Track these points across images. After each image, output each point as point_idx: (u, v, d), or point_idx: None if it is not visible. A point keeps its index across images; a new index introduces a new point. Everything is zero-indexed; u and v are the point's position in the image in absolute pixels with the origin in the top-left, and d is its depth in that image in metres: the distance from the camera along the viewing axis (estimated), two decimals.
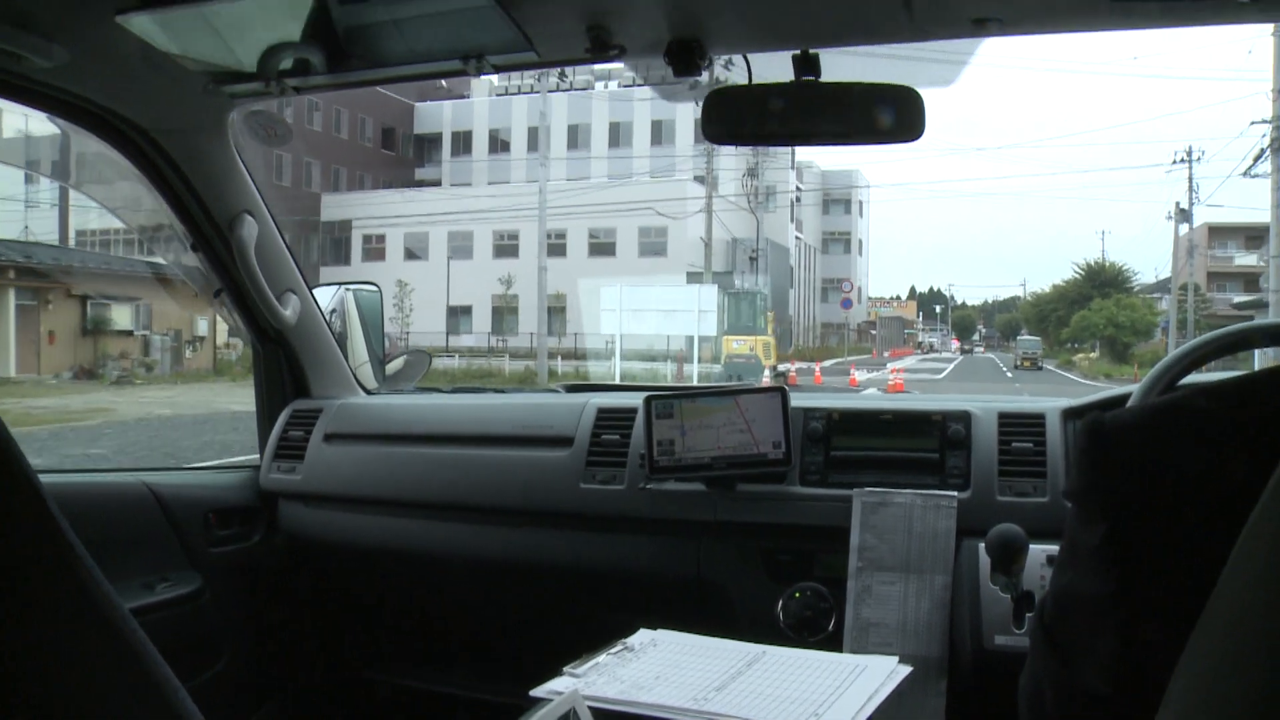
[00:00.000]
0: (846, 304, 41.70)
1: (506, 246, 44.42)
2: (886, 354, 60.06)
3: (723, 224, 40.78)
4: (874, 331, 74.51)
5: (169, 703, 0.83)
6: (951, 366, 45.60)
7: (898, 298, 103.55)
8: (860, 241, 76.76)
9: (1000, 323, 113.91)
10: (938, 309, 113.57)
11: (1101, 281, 61.66)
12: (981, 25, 1.68)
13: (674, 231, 42.00)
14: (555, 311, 36.70)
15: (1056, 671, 0.99)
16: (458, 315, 44.72)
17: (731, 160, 42.17)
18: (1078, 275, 65.22)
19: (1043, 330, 68.85)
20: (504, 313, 43.39)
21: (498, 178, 47.51)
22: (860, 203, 73.48)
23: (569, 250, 42.92)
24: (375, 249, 46.49)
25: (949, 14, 1.68)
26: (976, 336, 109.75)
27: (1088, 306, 55.21)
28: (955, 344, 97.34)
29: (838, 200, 71.57)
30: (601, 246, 44.76)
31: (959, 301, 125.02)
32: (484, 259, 44.45)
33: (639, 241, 44.13)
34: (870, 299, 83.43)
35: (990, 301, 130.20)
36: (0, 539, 0.76)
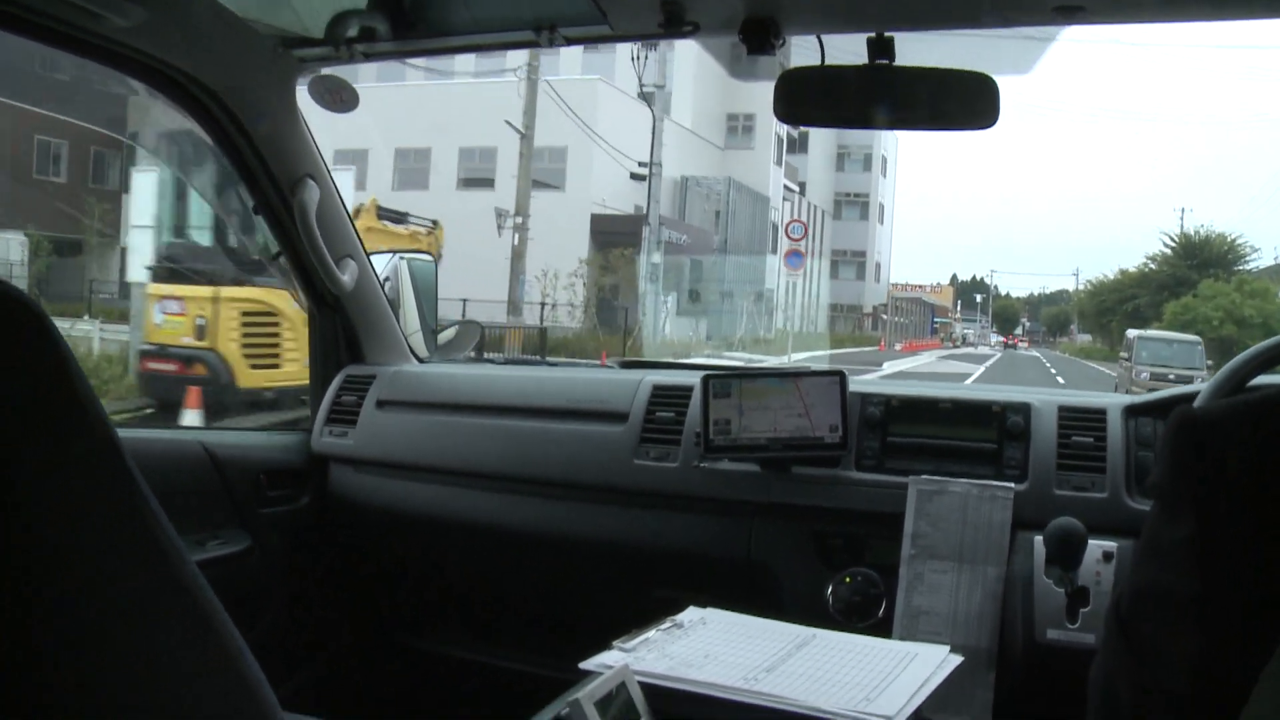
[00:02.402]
0: (794, 259, 28.23)
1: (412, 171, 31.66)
2: (898, 346, 49.44)
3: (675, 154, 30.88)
4: (884, 318, 60.07)
5: (230, 653, 0.84)
6: (981, 370, 32.97)
7: (937, 285, 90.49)
8: (881, 206, 62.54)
9: (1046, 316, 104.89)
10: (978, 298, 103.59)
11: (1203, 260, 48.47)
12: (1065, 13, 1.66)
13: (577, 156, 29.56)
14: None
15: (1133, 668, 0.98)
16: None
17: (690, 64, 32.08)
18: (1167, 250, 51.44)
19: (1103, 327, 59.56)
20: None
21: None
22: (884, 158, 60.28)
23: (431, 179, 31.01)
24: None
25: (1031, 1, 1.66)
26: (1020, 330, 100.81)
27: (1191, 292, 42.45)
28: (996, 338, 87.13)
29: (854, 155, 58.62)
30: (477, 175, 31.28)
31: (1003, 292, 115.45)
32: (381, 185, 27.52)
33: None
34: (898, 284, 68.96)
35: (1036, 294, 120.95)
36: (78, 483, 0.77)
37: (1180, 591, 0.93)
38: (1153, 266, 53.22)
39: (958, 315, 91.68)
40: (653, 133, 25.36)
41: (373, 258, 2.73)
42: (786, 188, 46.70)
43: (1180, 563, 0.93)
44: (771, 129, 40.91)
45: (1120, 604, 1.02)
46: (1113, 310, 56.47)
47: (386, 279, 2.84)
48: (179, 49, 2.07)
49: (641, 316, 26.91)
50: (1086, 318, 68.22)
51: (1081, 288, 75.34)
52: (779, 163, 44.47)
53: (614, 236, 30.57)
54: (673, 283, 29.14)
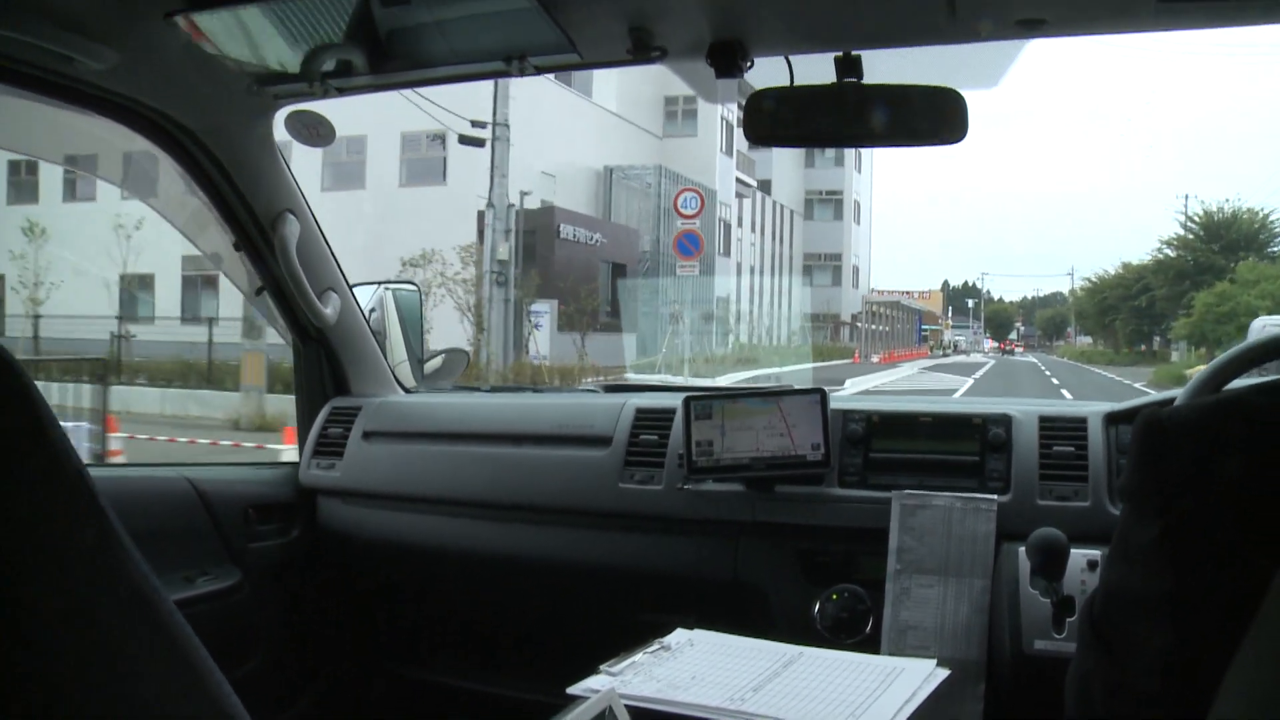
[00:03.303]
0: (686, 244, 24.04)
1: None
2: (875, 358, 44.15)
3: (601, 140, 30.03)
4: (859, 326, 53.77)
5: (212, 694, 0.84)
6: (969, 383, 28.89)
7: (925, 291, 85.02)
8: (857, 204, 56.60)
9: (1041, 320, 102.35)
10: (970, 304, 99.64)
11: (1229, 242, 41.90)
12: (1027, 26, 1.67)
13: (459, 150, 21.78)
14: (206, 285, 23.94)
15: (1106, 668, 0.99)
16: (134, 289, 25.81)
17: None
18: (1190, 234, 44.26)
19: (1105, 327, 56.38)
20: (200, 285, 26.02)
21: None
22: (858, 154, 51.58)
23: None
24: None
25: (994, 15, 1.68)
26: (1014, 335, 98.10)
27: (1227, 278, 35.85)
28: (991, 344, 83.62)
29: (826, 149, 42.43)
30: (346, 168, 26.13)
31: (996, 296, 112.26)
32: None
33: (403, 160, 26.96)
34: (879, 290, 61.52)
35: (1030, 297, 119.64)
36: (48, 530, 0.78)
37: (1150, 592, 0.93)
38: (1169, 253, 46.56)
39: (948, 322, 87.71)
40: (495, 86, 19.05)
41: (356, 289, 2.74)
42: (741, 182, 40.95)
43: (1150, 563, 0.94)
44: (718, 113, 36.06)
45: (1094, 605, 1.03)
46: (1116, 308, 52.93)
47: (372, 310, 2.85)
48: (154, 90, 2.08)
49: (484, 331, 20.71)
50: (1086, 318, 64.40)
51: (1079, 286, 70.99)
52: (728, 152, 38.90)
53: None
54: (586, 292, 23.98)
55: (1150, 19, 1.62)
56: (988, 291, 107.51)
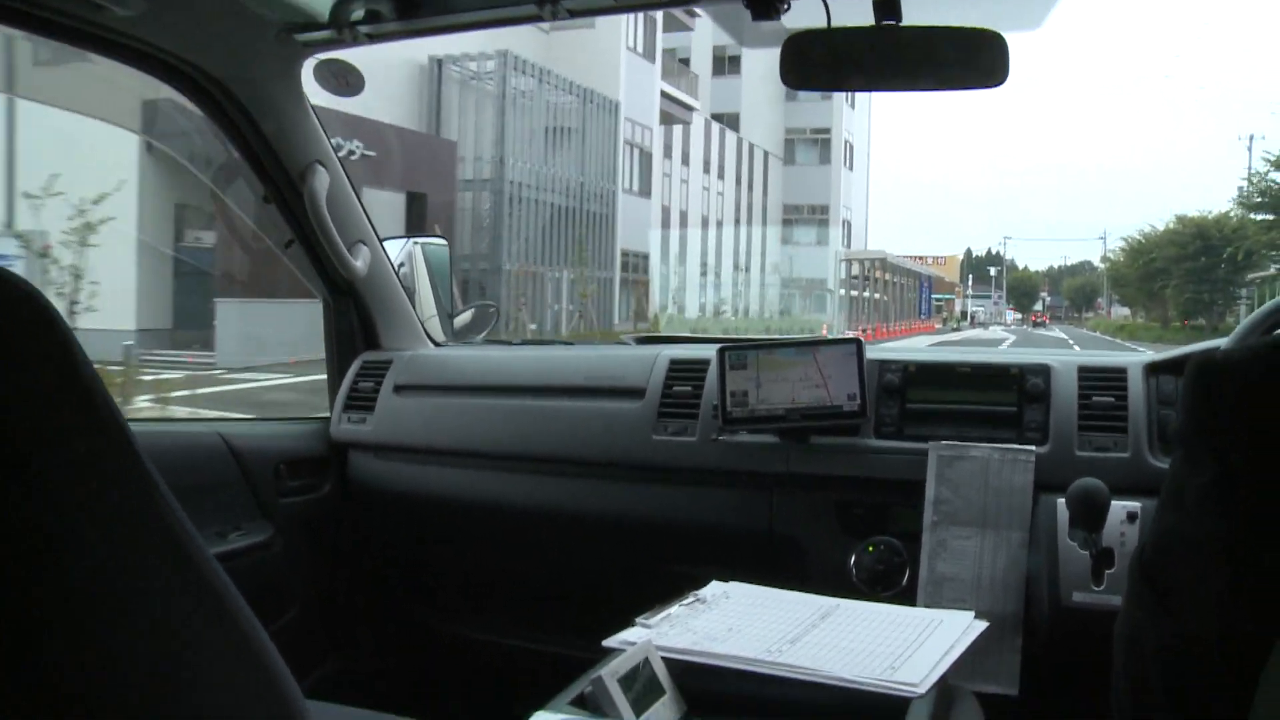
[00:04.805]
0: None
1: None
2: (858, 330, 33.32)
3: None
4: (840, 293, 41.30)
5: (255, 649, 0.83)
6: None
7: (939, 257, 74.41)
8: (850, 146, 47.03)
9: (1069, 289, 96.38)
10: (992, 271, 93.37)
11: None
12: None
13: None
14: None
15: (1158, 617, 0.97)
16: None
17: None
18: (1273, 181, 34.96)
19: (1153, 295, 46.38)
20: None
21: None
22: None
23: None
24: None
25: None
26: (1040, 306, 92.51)
27: None
28: (1014, 315, 77.12)
29: None
30: None
31: (1020, 265, 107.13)
32: None
33: None
34: (875, 254, 45.91)
35: (1057, 266, 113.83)
36: (91, 484, 0.77)
37: (1205, 535, 0.92)
38: (1259, 199, 37.17)
39: (962, 290, 78.47)
40: None
41: (386, 243, 2.73)
42: (673, 100, 32.79)
43: (1204, 507, 0.92)
44: None
45: (1144, 554, 1.01)
46: (1167, 272, 43.32)
47: (401, 264, 2.84)
48: (182, 38, 2.06)
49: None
50: (1126, 286, 53.41)
51: (1117, 248, 58.51)
52: (646, 54, 30.06)
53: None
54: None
55: None
56: (1011, 259, 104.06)
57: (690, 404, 2.27)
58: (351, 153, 18.08)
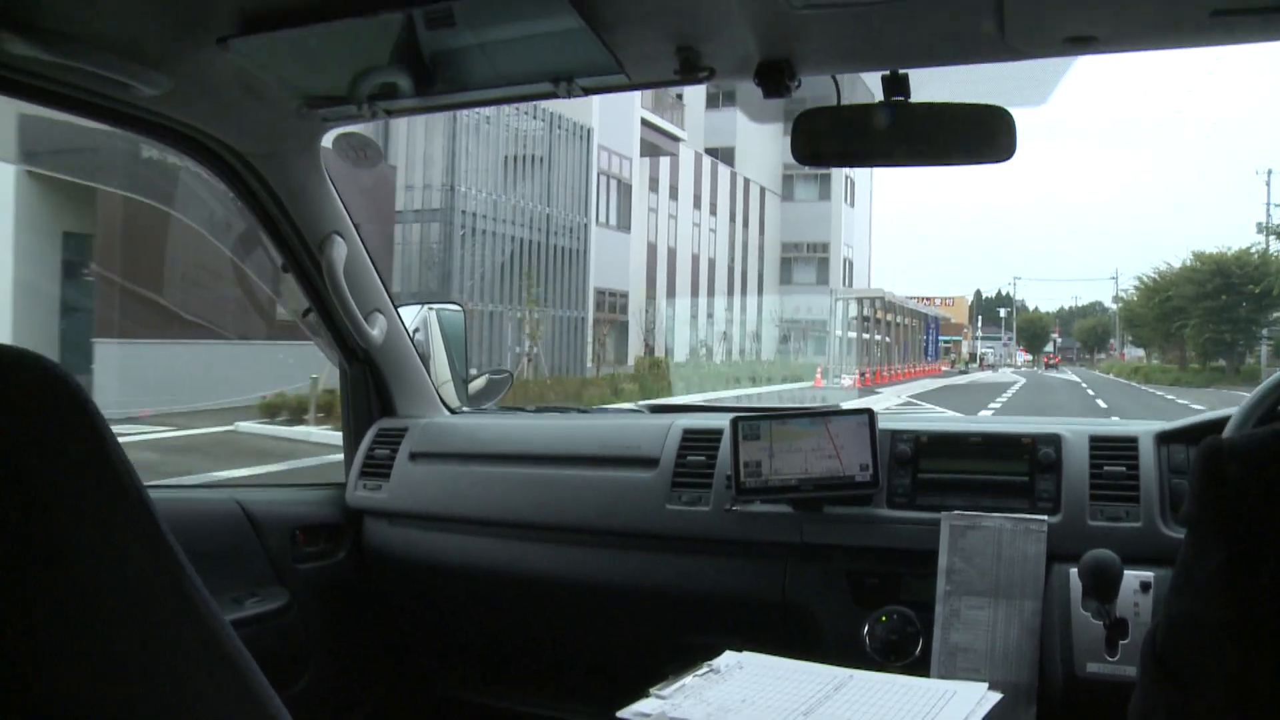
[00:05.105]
0: None
1: None
2: (846, 380, 30.69)
3: None
4: (838, 334, 36.61)
5: (266, 711, 0.84)
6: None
7: (948, 298, 70.52)
8: (851, 182, 44.60)
9: (1080, 331, 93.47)
10: (1002, 313, 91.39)
11: None
12: (1077, 43, 1.66)
13: None
14: None
15: (1172, 699, 0.97)
16: None
17: None
18: None
19: (1170, 336, 44.20)
20: None
21: None
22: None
23: None
24: None
25: (1043, 34, 1.66)
26: (1051, 347, 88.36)
27: None
28: (1025, 357, 75.02)
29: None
30: None
31: (1030, 307, 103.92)
32: None
33: None
34: (873, 293, 40.27)
35: (1068, 308, 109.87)
36: (111, 552, 0.79)
37: (1216, 620, 0.92)
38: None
39: (969, 331, 74.24)
40: None
41: (401, 310, 2.76)
42: (656, 129, 31.15)
43: (1214, 592, 0.92)
44: None
45: (1155, 638, 1.02)
46: (1184, 311, 41.04)
47: (415, 330, 2.87)
48: (206, 114, 2.11)
49: None
50: (1140, 326, 50.82)
51: (1130, 288, 55.90)
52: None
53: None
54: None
55: (1204, 32, 1.61)
56: (1021, 300, 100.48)
57: (704, 474, 2.29)
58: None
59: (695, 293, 34.19)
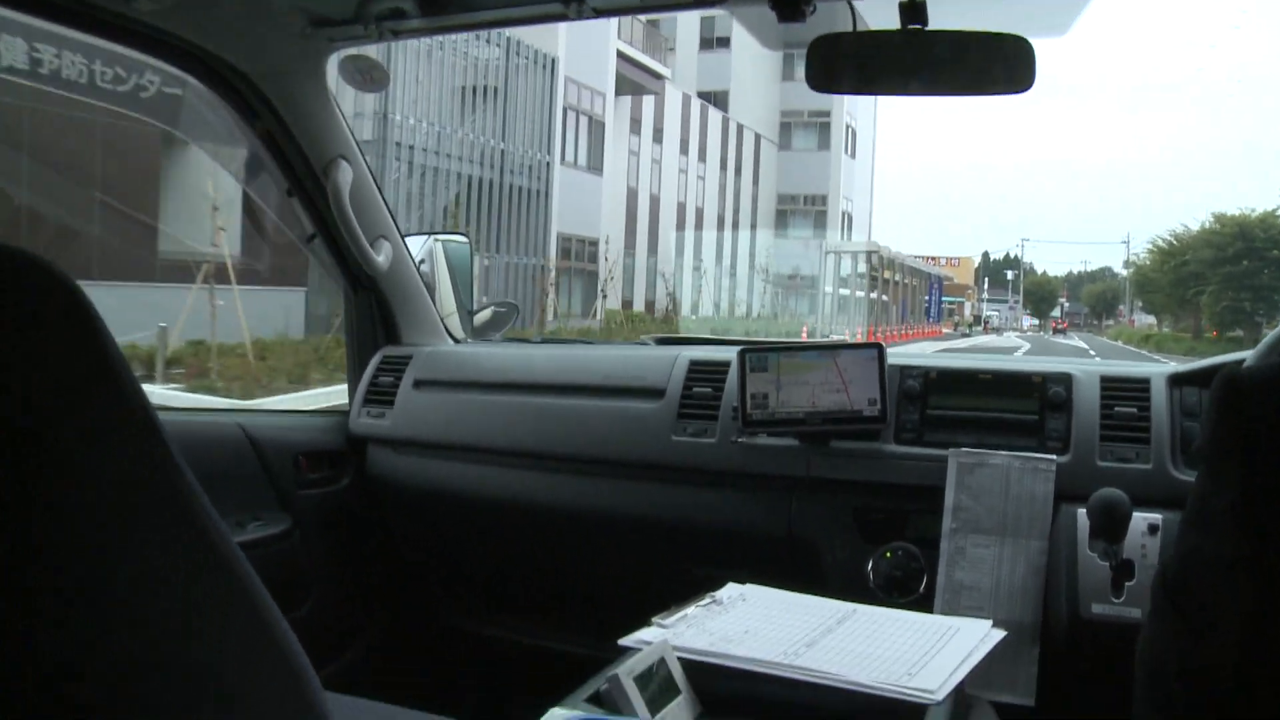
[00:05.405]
0: None
1: None
2: (846, 335, 28.29)
3: None
4: (828, 291, 35.39)
5: (277, 638, 0.84)
6: None
7: (954, 259, 70.84)
8: (852, 131, 42.20)
9: (1089, 296, 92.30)
10: (1009, 275, 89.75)
11: None
12: None
13: None
14: None
15: (1182, 637, 0.96)
16: None
17: None
18: None
19: (1185, 303, 42.16)
20: None
21: None
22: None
23: None
24: None
25: None
26: (1058, 312, 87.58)
27: None
28: (1031, 321, 73.85)
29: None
30: None
31: (1039, 271, 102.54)
32: None
33: None
34: (867, 247, 38.90)
35: (1076, 272, 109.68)
36: (120, 472, 0.77)
37: (1230, 556, 0.91)
38: None
39: (973, 293, 73.52)
40: None
41: (408, 239, 2.73)
42: (635, 64, 28.94)
43: (1229, 527, 0.91)
44: None
45: (1166, 574, 1.00)
46: (1202, 276, 38.66)
47: (421, 261, 2.84)
48: (209, 31, 2.07)
49: None
50: (1153, 292, 47.85)
51: (1144, 251, 51.51)
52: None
53: None
54: None
55: None
56: (1030, 264, 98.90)
57: (710, 405, 2.27)
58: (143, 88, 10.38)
59: (680, 243, 32.31)
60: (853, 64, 1.85)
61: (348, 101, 20.68)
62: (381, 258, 2.54)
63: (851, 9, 1.85)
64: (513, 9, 1.99)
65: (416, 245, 2.85)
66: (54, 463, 0.73)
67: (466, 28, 2.12)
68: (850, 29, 1.83)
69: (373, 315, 2.72)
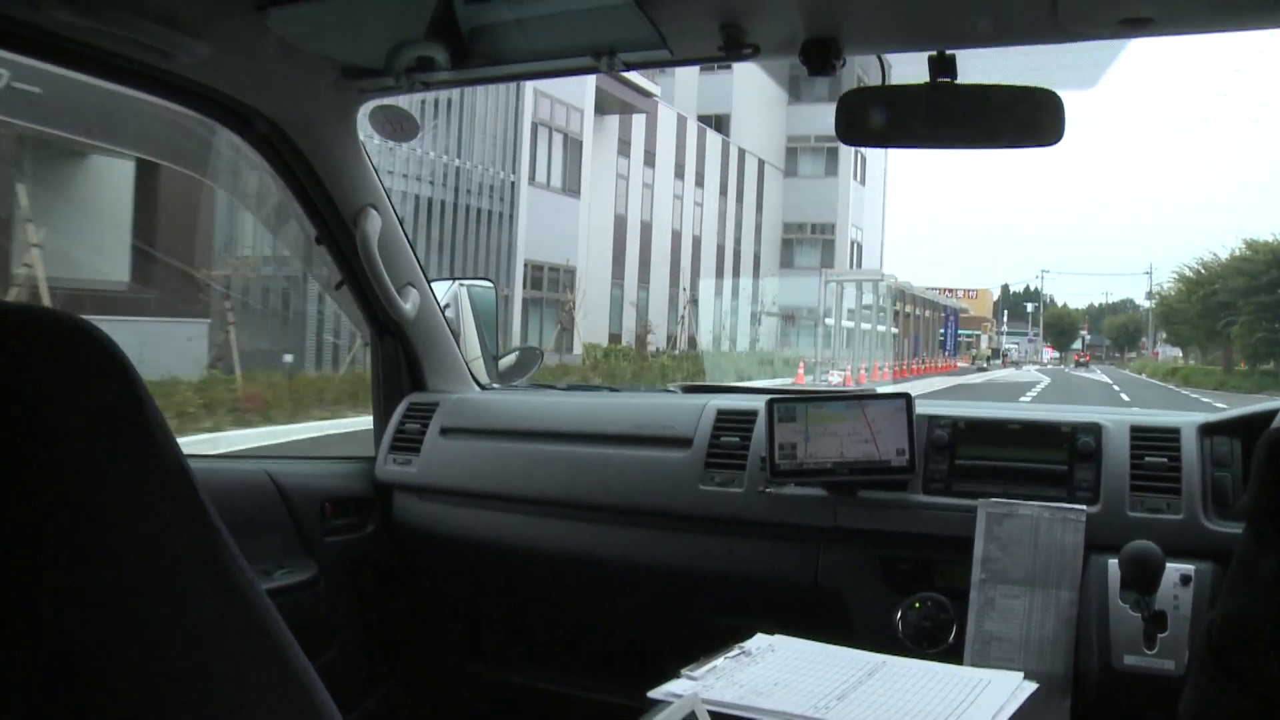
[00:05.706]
0: None
1: None
2: (835, 378, 27.04)
3: None
4: (831, 323, 32.49)
5: (304, 686, 0.84)
6: None
7: (971, 291, 69.22)
8: (862, 158, 39.88)
9: (1110, 328, 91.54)
10: (1029, 308, 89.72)
11: None
12: (1132, 25, 1.63)
13: None
14: None
15: (1228, 697, 0.95)
16: None
17: None
18: None
19: (1213, 335, 40.41)
20: None
21: None
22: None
23: None
24: None
25: (1097, 15, 1.63)
26: (1079, 345, 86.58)
27: None
28: (1051, 354, 73.58)
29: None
30: None
31: (1059, 303, 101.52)
32: None
33: None
34: (872, 275, 35.43)
35: (1098, 305, 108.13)
36: (152, 520, 0.78)
37: (1275, 621, 0.90)
38: None
39: (996, 326, 71.64)
40: None
41: (433, 284, 2.75)
42: (614, 76, 20.09)
43: (1274, 592, 0.90)
44: None
45: (1211, 634, 0.99)
46: (1233, 307, 36.80)
47: (446, 305, 2.86)
48: (244, 84, 2.10)
49: None
50: (1180, 324, 46.16)
51: (1169, 280, 50.70)
52: None
53: None
54: None
55: (1265, 14, 1.57)
56: (1050, 296, 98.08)
57: (738, 455, 2.27)
58: None
59: (674, 274, 30.87)
60: (881, 117, 1.86)
61: None
62: (408, 305, 2.56)
63: (881, 62, 1.87)
64: (543, 62, 2.01)
65: (442, 290, 2.87)
66: (83, 508, 0.74)
67: (496, 79, 2.14)
68: (879, 82, 1.85)
69: (399, 362, 2.74)
